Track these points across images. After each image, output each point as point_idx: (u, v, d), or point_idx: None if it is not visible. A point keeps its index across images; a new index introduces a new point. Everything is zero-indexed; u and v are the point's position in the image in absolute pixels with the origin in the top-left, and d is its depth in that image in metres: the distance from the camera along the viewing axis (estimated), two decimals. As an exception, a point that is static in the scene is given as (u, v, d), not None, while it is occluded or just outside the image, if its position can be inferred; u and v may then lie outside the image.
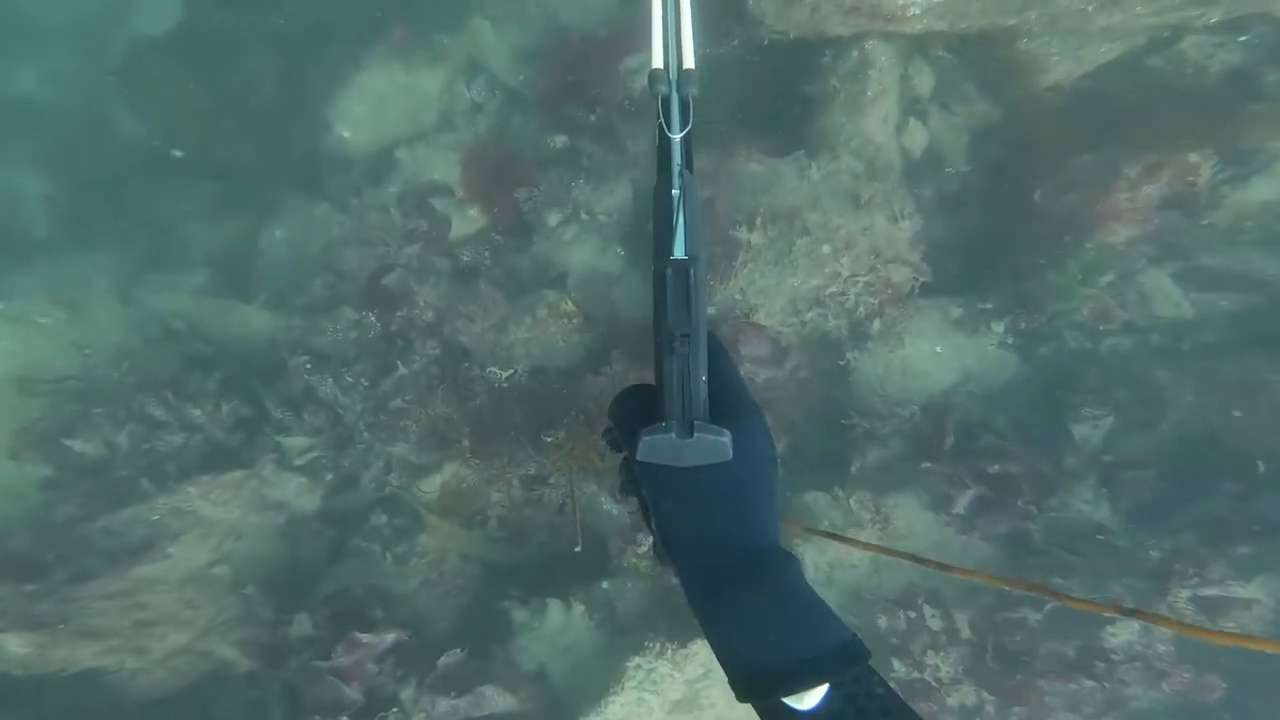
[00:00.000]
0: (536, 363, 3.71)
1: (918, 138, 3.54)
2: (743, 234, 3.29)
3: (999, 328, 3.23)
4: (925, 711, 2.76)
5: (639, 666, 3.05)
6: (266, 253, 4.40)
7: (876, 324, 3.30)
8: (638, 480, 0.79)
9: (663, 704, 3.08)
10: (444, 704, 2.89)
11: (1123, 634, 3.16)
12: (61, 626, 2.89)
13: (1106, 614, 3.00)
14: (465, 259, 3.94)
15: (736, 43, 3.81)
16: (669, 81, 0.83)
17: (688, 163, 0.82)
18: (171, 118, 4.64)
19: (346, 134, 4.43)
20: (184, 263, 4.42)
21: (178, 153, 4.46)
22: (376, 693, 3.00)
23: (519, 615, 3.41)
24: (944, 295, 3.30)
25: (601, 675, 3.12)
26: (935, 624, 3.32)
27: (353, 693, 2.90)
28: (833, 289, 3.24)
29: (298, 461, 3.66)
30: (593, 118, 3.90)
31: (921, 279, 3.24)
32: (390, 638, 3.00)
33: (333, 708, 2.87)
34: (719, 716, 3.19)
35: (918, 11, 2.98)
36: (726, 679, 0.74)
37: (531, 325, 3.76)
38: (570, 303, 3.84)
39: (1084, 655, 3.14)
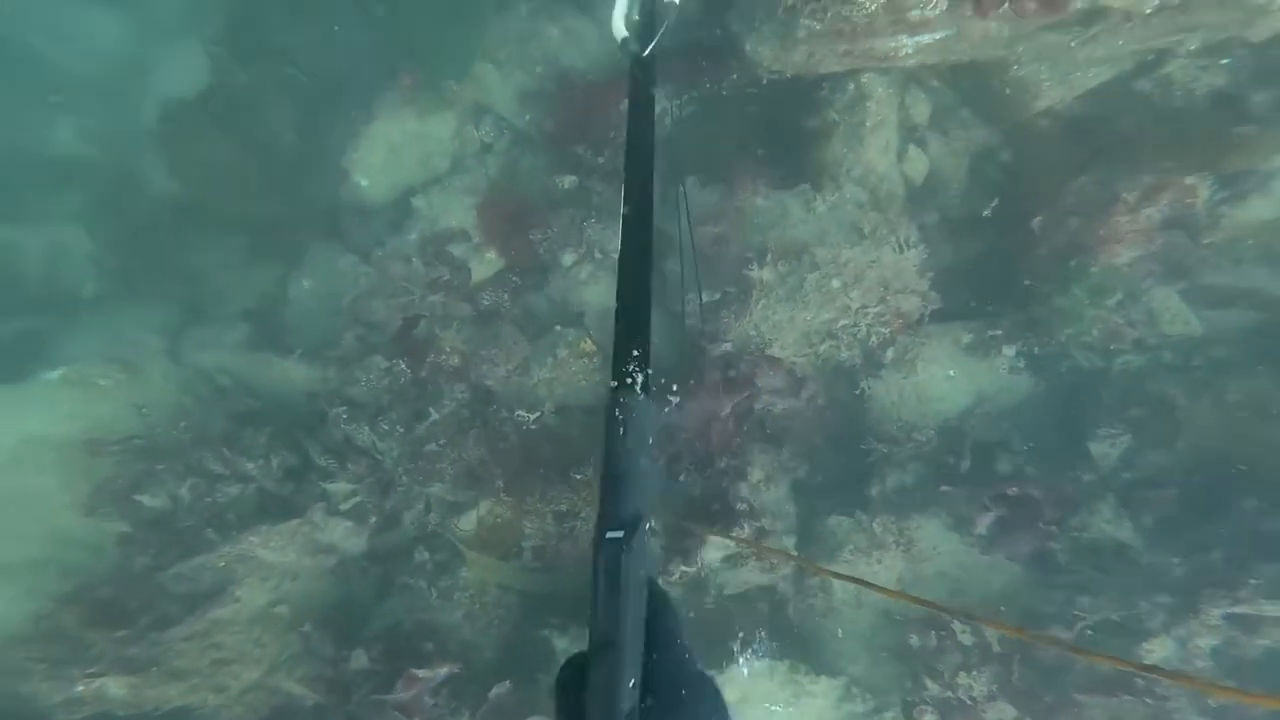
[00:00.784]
0: (561, 402, 4.04)
1: (918, 164, 3.74)
2: (755, 271, 3.55)
3: (1010, 351, 3.44)
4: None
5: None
6: (296, 303, 4.81)
7: (889, 353, 3.54)
8: None
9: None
10: (497, 732, 3.28)
11: (1158, 650, 3.31)
12: (153, 669, 3.35)
13: (1127, 669, 3.20)
14: (486, 302, 4.28)
15: (735, 77, 4.05)
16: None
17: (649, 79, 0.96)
18: (201, 171, 5.08)
19: (364, 182, 4.80)
20: (222, 316, 4.86)
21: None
22: (435, 723, 3.41)
23: (559, 643, 3.79)
24: (954, 321, 3.52)
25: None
26: (966, 639, 3.56)
27: (413, 723, 3.31)
28: (844, 321, 3.49)
29: (344, 506, 4.08)
30: (600, 160, 4.18)
31: (931, 307, 3.47)
32: (443, 671, 3.40)
33: (396, 738, 3.29)
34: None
35: (910, 50, 3.17)
36: None
37: (553, 365, 4.09)
38: (590, 342, 4.16)
39: (1121, 671, 3.33)
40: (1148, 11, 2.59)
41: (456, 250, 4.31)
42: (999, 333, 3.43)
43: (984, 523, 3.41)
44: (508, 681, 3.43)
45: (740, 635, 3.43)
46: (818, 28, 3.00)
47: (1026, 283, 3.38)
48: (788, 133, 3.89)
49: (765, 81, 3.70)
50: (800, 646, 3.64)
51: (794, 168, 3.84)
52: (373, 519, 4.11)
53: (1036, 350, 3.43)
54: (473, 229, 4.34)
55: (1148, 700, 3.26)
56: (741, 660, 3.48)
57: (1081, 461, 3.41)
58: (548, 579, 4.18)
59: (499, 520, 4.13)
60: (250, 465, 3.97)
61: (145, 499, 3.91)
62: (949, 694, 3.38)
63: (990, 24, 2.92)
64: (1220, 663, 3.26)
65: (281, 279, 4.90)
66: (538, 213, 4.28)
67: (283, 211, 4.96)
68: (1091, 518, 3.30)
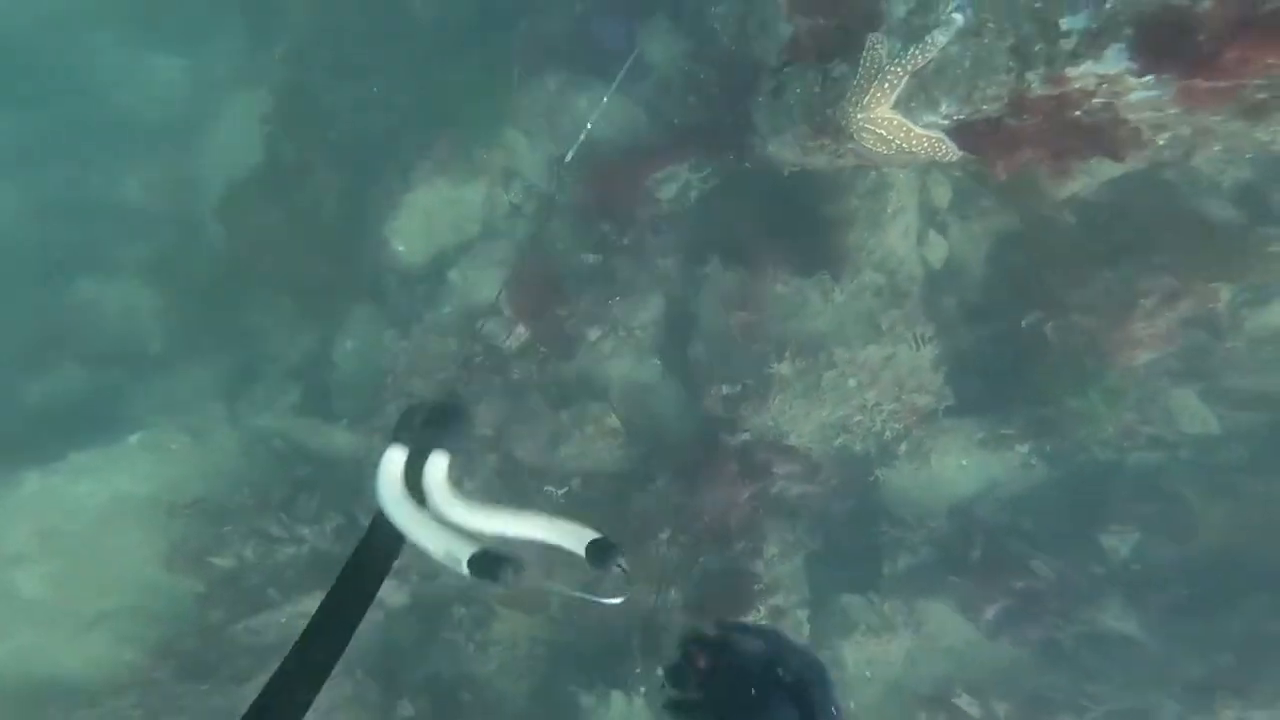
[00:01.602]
0: (588, 475, 4.46)
1: (938, 250, 3.93)
2: (774, 366, 3.83)
3: (1023, 449, 3.66)
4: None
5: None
6: (341, 366, 5.35)
7: (903, 446, 3.80)
8: None
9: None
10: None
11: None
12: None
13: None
14: (516, 375, 4.71)
15: (748, 165, 4.28)
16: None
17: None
18: (253, 236, 5.66)
19: (401, 248, 5.26)
20: (274, 377, 5.46)
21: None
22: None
23: (585, 700, 4.27)
24: (968, 416, 3.75)
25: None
26: (974, 712, 3.88)
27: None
28: (859, 418, 3.76)
29: (389, 565, 4.63)
30: (626, 240, 4.51)
31: (945, 403, 3.71)
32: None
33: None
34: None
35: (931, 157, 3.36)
36: None
37: (580, 441, 4.51)
38: (615, 418, 4.55)
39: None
40: (1161, 143, 2.73)
41: (490, 324, 4.73)
42: (1012, 431, 3.65)
43: (991, 610, 3.68)
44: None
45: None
46: (837, 150, 3.23)
47: (1041, 384, 3.58)
48: (808, 216, 4.12)
49: (786, 174, 3.94)
50: None
51: (813, 253, 4.08)
52: (414, 576, 4.65)
53: (1049, 448, 3.64)
54: (504, 302, 4.75)
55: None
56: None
57: (1091, 554, 3.62)
58: (574, 632, 4.67)
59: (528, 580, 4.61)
60: (305, 530, 4.55)
61: (216, 559, 4.54)
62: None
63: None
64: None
65: (326, 341, 5.45)
66: (565, 287, 4.65)
67: (328, 275, 5.49)
68: (1100, 612, 3.53)
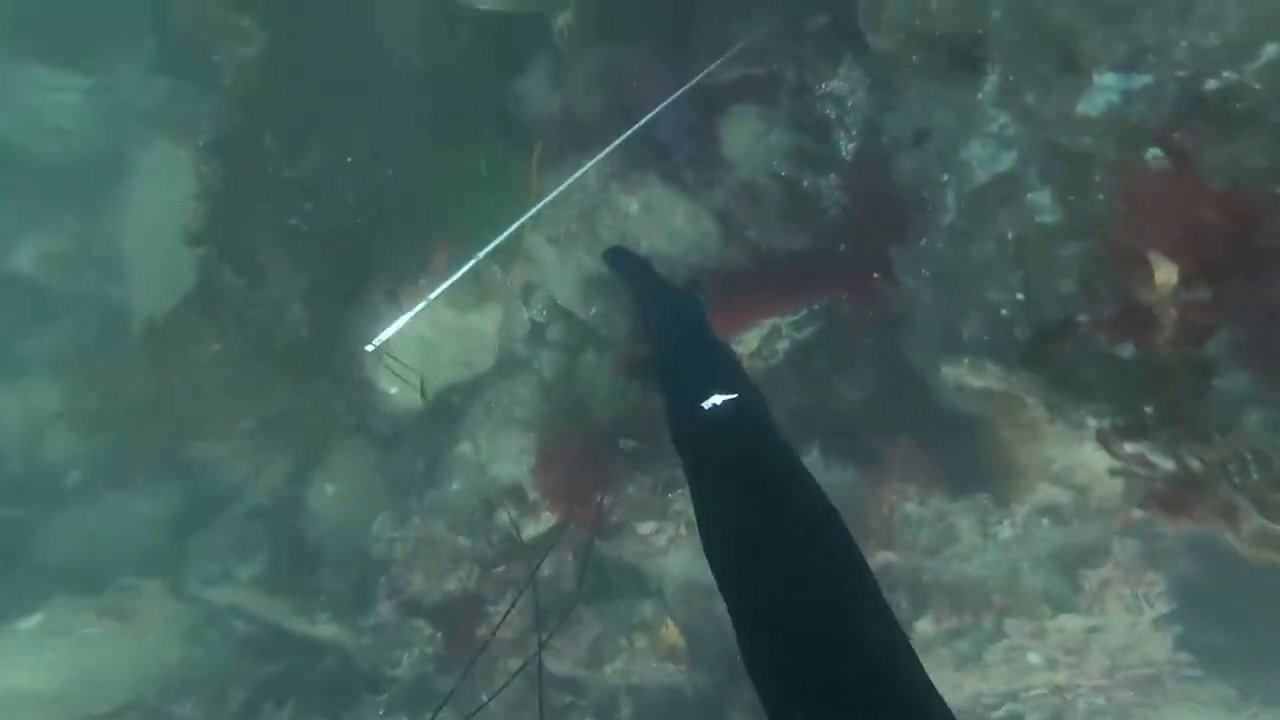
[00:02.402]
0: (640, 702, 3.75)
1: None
2: (905, 614, 3.03)
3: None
4: None
5: None
6: (321, 517, 4.45)
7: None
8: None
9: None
10: None
11: None
12: None
13: None
14: (545, 572, 3.90)
15: (871, 313, 3.39)
16: None
17: None
18: (190, 342, 4.58)
19: (393, 390, 4.29)
20: (232, 528, 4.53)
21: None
22: None
23: None
24: (1200, 684, 2.99)
25: None
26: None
27: None
28: (1038, 691, 3.02)
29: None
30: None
31: (1180, 672, 2.95)
32: None
33: None
34: None
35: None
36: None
37: (629, 657, 3.77)
38: (672, 626, 3.80)
39: None
40: None
41: (507, 512, 3.87)
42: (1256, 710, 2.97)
43: None
44: None
45: None
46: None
47: None
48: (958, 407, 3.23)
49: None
50: None
51: (964, 457, 3.17)
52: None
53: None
54: (527, 482, 3.87)
55: None
56: None
57: None
58: None
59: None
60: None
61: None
62: None
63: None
64: None
65: (299, 479, 4.54)
66: (606, 464, 3.79)
67: (293, 404, 4.50)
68: None
